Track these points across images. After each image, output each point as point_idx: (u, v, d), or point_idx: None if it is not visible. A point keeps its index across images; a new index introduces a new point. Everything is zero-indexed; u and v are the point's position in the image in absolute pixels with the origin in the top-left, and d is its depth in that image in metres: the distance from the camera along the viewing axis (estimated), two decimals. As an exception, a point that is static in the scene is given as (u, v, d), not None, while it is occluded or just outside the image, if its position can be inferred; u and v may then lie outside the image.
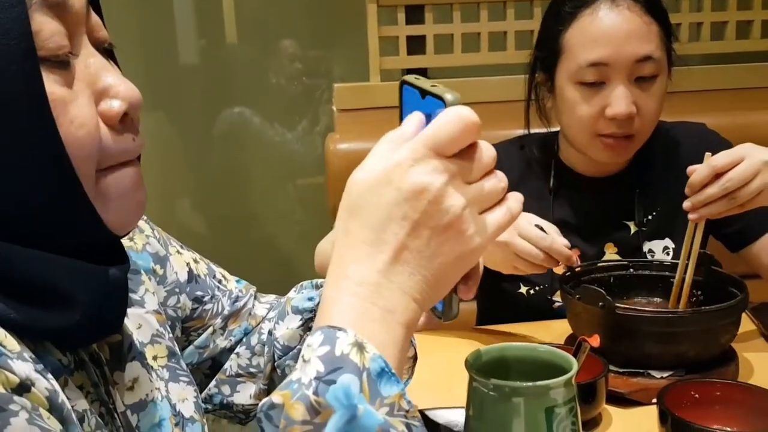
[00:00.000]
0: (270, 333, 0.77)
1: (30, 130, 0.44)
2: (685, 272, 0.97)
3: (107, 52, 0.51)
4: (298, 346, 0.75)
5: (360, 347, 0.42)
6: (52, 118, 0.44)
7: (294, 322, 0.75)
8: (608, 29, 1.05)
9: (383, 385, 0.41)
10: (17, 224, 0.46)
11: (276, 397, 0.41)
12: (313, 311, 0.74)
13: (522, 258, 0.96)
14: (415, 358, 0.78)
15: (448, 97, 0.45)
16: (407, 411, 0.42)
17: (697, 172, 0.92)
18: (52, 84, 0.45)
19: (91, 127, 0.47)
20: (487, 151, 0.47)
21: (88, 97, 0.47)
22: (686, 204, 0.93)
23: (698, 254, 0.97)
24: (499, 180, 0.47)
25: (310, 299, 0.75)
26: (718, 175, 0.90)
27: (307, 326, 0.75)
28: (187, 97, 2.56)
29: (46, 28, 0.45)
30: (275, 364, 0.76)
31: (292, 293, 0.78)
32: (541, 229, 0.96)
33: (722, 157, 0.91)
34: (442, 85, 0.47)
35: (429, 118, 0.46)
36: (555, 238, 0.96)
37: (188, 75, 2.58)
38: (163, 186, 2.56)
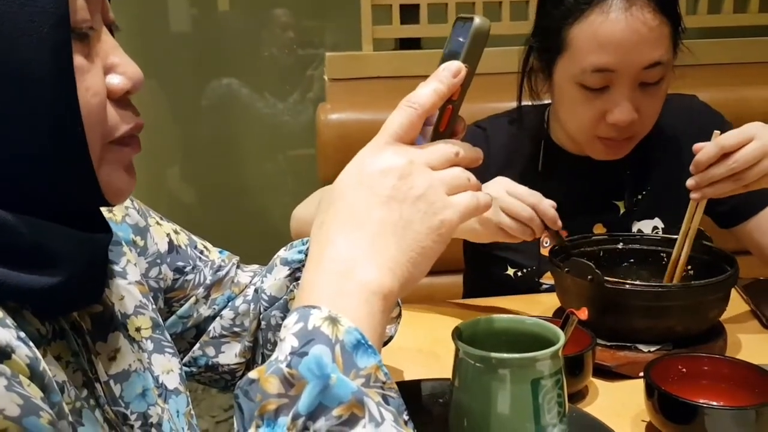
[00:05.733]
0: (256, 291, 0.78)
1: (54, 93, 0.45)
2: (682, 250, 0.96)
3: (111, 33, 0.53)
4: (284, 297, 0.75)
5: (333, 321, 0.42)
6: (74, 84, 0.46)
7: (282, 272, 0.76)
8: (619, 34, 0.98)
9: (359, 357, 0.41)
10: (15, 185, 0.46)
11: (253, 373, 0.41)
12: (302, 262, 0.75)
13: (509, 216, 0.94)
14: (399, 315, 0.80)
15: (477, 19, 0.52)
16: (384, 383, 0.42)
17: (703, 151, 0.88)
18: (75, 53, 0.46)
19: (102, 96, 0.49)
20: (451, 147, 0.50)
21: (101, 70, 0.49)
22: (690, 182, 0.90)
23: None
24: (463, 171, 0.50)
25: (300, 252, 0.76)
26: (724, 155, 0.87)
27: (294, 276, 0.76)
28: (179, 65, 2.53)
29: (76, 2, 0.47)
30: (260, 317, 0.76)
31: (281, 251, 0.80)
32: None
33: (730, 137, 0.87)
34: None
35: (466, 33, 0.53)
36: (542, 199, 0.95)
37: (180, 43, 2.54)
38: (153, 155, 2.54)
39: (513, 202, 0.94)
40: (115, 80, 0.50)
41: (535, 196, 0.94)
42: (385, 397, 0.41)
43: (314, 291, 0.45)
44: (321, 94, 2.18)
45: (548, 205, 0.94)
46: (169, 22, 2.54)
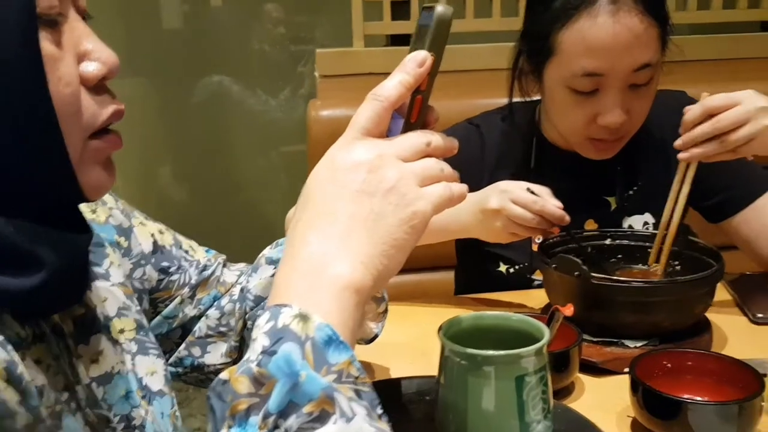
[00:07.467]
0: (242, 290, 0.77)
1: (22, 83, 0.45)
2: (671, 218, 0.96)
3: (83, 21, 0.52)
4: None
5: (303, 318, 0.42)
6: (44, 74, 0.45)
7: (267, 271, 0.76)
8: (608, 39, 0.98)
9: (331, 353, 0.41)
10: None
11: (224, 374, 0.41)
12: None
13: (517, 223, 0.96)
14: (385, 311, 0.80)
15: (438, 7, 0.52)
16: (356, 377, 0.42)
17: (690, 111, 0.91)
18: (44, 41, 0.45)
19: (75, 86, 0.48)
20: (421, 137, 0.50)
21: (74, 58, 0.48)
22: (677, 142, 0.92)
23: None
24: (436, 161, 0.50)
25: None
26: (711, 116, 0.89)
27: None
28: (170, 62, 2.53)
29: None
30: (246, 317, 0.76)
31: (266, 249, 0.80)
32: (533, 193, 0.97)
33: (717, 99, 0.90)
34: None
35: (429, 22, 0.53)
36: (547, 200, 0.96)
37: (172, 39, 2.54)
38: (144, 153, 2.53)
39: (519, 211, 0.96)
40: (90, 67, 0.49)
41: (539, 202, 0.95)
42: (357, 392, 0.41)
43: (286, 289, 0.45)
44: (313, 90, 2.18)
45: (553, 207, 0.95)
46: (160, 18, 2.53)
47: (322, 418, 0.39)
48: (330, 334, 0.42)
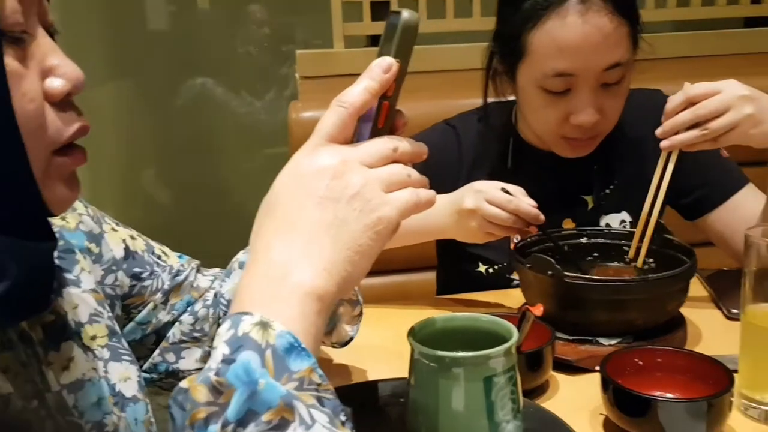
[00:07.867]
0: (216, 295, 0.77)
1: None
2: (652, 209, 0.97)
3: (50, 35, 0.52)
4: None
5: (264, 326, 0.42)
6: (7, 90, 0.45)
7: (239, 276, 0.75)
8: (577, 39, 0.99)
9: (292, 360, 0.42)
10: None
11: (184, 382, 0.41)
12: None
13: (492, 222, 0.97)
14: (360, 314, 0.81)
15: (404, 13, 0.52)
16: (319, 384, 0.42)
17: (671, 98, 0.92)
18: (8, 57, 0.45)
19: (39, 102, 0.47)
20: (387, 143, 0.50)
21: (38, 74, 0.48)
22: (658, 130, 0.93)
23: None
24: (402, 167, 0.50)
25: None
26: (694, 105, 0.90)
27: None
28: (155, 63, 2.52)
29: (8, 5, 0.45)
30: (220, 322, 0.76)
31: (240, 254, 0.80)
32: (508, 192, 0.97)
33: (699, 87, 0.91)
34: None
35: (395, 28, 0.53)
36: (521, 200, 0.97)
37: (157, 41, 2.53)
38: (128, 154, 2.52)
39: (494, 211, 0.96)
40: (56, 83, 0.49)
41: (513, 202, 0.96)
42: (320, 399, 0.42)
43: (248, 296, 0.45)
44: (297, 91, 2.18)
45: (528, 207, 0.96)
46: (146, 19, 2.53)
47: (282, 426, 0.39)
48: (291, 341, 0.42)
